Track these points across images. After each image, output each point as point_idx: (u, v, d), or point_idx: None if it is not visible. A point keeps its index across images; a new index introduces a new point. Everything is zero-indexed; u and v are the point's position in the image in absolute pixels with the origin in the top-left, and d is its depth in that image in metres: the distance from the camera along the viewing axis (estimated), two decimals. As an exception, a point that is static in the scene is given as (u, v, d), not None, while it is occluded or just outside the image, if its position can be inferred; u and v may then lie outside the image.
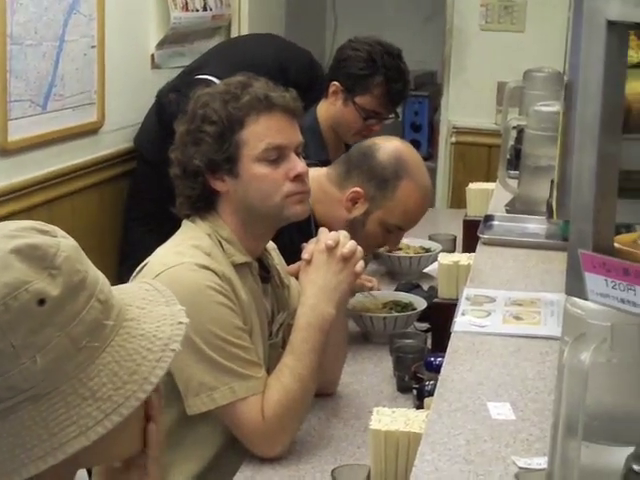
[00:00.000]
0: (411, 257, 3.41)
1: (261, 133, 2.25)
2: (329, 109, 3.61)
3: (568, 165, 1.65)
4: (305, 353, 2.22)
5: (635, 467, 1.26)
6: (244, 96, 2.25)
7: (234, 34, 4.73)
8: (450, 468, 1.60)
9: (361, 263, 2.33)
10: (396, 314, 2.88)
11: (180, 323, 1.32)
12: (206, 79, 3.56)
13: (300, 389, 2.20)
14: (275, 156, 2.26)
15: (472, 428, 1.74)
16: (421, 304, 2.94)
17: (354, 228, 2.70)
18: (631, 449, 1.31)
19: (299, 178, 2.29)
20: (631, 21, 1.20)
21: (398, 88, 3.59)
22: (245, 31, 4.72)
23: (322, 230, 2.38)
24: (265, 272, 2.40)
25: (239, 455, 2.23)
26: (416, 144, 6.08)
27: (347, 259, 2.29)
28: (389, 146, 2.89)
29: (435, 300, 2.81)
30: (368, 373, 2.68)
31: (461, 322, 2.21)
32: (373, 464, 1.85)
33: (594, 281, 1.24)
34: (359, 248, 2.33)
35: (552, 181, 1.91)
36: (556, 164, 1.67)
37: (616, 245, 1.29)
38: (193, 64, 4.11)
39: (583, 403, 1.37)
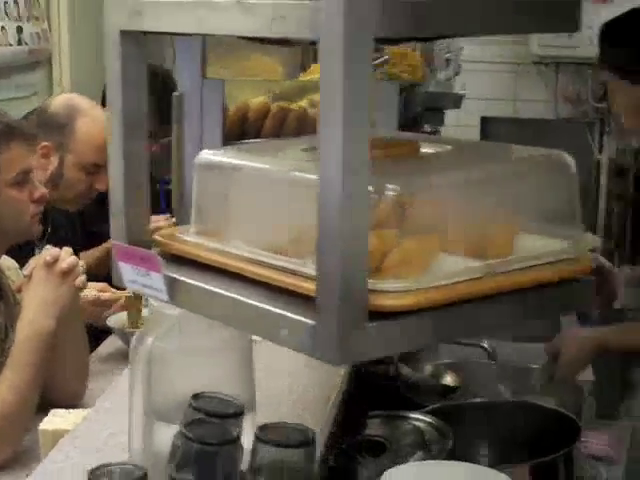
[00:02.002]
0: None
1: (13, 159, 2.40)
2: None
3: (183, 174, 1.77)
4: (23, 366, 2.31)
5: (176, 442, 1.36)
6: None
7: (56, 68, 4.82)
8: (82, 459, 1.69)
9: (82, 278, 2.42)
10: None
11: None
12: None
13: (18, 401, 2.28)
14: (22, 180, 2.41)
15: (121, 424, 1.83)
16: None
17: (55, 182, 2.86)
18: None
19: (40, 199, 2.45)
20: (138, 29, 1.32)
21: None
22: (67, 65, 4.81)
23: (47, 247, 2.47)
24: (-4, 291, 2.50)
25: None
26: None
27: (66, 274, 2.39)
28: (57, 98, 3.18)
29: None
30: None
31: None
32: (46, 463, 1.93)
33: (125, 269, 1.35)
34: (80, 263, 2.43)
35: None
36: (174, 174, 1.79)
37: (157, 237, 1.40)
38: None
39: (150, 385, 1.48)
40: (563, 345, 2.50)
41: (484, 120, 5.04)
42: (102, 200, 3.41)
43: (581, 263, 1.27)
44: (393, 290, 1.13)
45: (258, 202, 1.28)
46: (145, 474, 1.26)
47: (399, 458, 2.05)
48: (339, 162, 1.05)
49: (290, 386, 2.03)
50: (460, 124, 5.12)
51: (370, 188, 1.14)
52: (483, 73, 5.00)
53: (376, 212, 1.16)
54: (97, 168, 3.09)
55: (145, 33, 1.32)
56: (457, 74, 3.77)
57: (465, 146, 1.35)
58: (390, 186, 1.15)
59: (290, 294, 1.20)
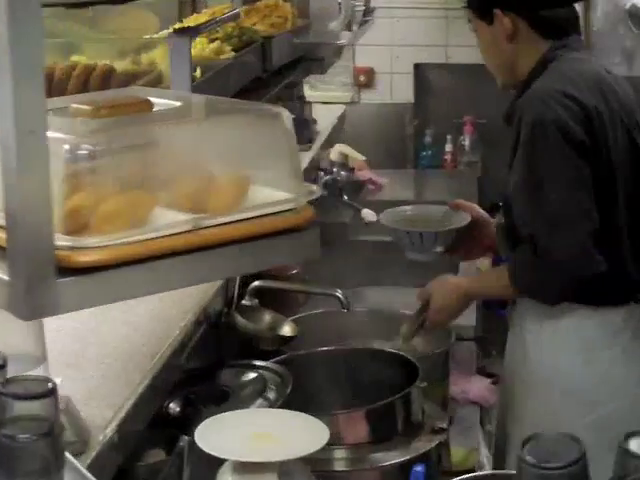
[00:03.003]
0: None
1: None
2: None
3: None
4: None
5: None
6: None
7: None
8: None
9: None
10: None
11: None
12: None
13: None
14: None
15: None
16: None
17: None
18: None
19: None
20: None
21: None
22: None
23: None
24: None
25: None
26: None
27: None
28: None
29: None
30: None
31: None
32: None
33: None
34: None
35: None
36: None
37: None
38: None
39: None
40: (432, 293, 2.53)
41: (417, 67, 5.04)
42: None
43: (303, 213, 1.30)
44: (86, 246, 1.16)
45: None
46: None
47: (240, 406, 2.11)
48: (11, 122, 1.08)
49: (130, 338, 2.07)
50: (394, 71, 5.13)
51: (66, 147, 1.18)
52: (415, 19, 4.99)
53: (80, 170, 1.19)
54: None
55: None
56: (364, 23, 3.76)
57: (195, 103, 1.38)
58: (87, 145, 1.18)
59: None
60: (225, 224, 1.25)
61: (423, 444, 2.10)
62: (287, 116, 1.29)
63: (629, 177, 2.38)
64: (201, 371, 2.24)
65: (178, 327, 2.10)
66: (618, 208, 2.36)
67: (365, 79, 5.10)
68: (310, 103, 3.71)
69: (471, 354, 2.85)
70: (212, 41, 2.29)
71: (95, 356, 1.97)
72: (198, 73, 1.98)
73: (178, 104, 1.34)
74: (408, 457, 2.06)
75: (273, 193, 1.32)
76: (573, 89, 2.36)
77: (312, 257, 1.31)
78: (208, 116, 1.30)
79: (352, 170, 4.14)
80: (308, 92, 5.05)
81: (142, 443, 1.90)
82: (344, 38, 3.06)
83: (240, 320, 2.33)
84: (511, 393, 2.52)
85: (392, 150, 5.03)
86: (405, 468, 2.03)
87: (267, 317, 2.53)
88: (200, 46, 2.18)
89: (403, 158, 5.09)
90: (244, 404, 2.10)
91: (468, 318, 2.86)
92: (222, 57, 2.16)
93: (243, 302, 2.39)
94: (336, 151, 3.94)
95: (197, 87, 1.81)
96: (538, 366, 2.41)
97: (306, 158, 3.48)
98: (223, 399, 2.14)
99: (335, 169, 3.72)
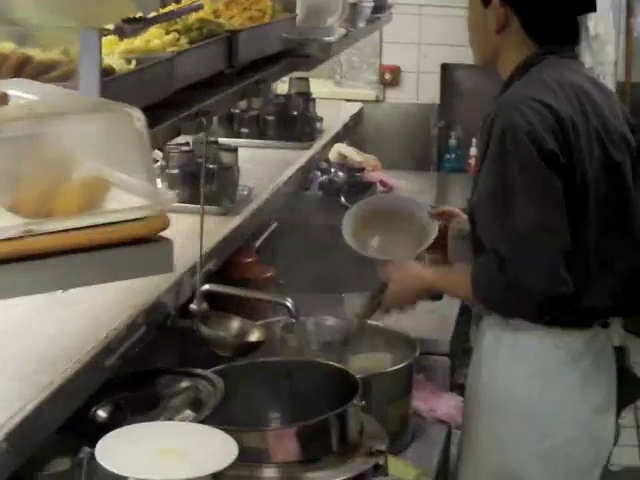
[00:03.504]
0: None
1: None
2: None
3: None
4: None
5: None
6: None
7: None
8: None
9: None
10: None
11: None
12: None
13: None
14: None
15: None
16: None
17: None
18: None
19: None
20: None
21: None
22: None
23: None
24: None
25: None
26: None
27: None
28: None
29: None
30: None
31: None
32: None
33: None
34: None
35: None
36: None
37: None
38: None
39: None
40: (391, 278, 2.45)
41: (444, 67, 4.91)
42: None
43: (151, 223, 1.21)
44: None
45: None
46: None
47: (167, 415, 2.02)
48: None
49: (55, 338, 1.99)
50: (421, 71, 5.00)
51: None
52: (444, 18, 4.86)
53: None
54: None
55: None
56: (376, 20, 3.64)
57: (55, 100, 1.29)
58: None
59: None
60: (64, 231, 1.16)
61: (357, 465, 2.00)
62: (139, 117, 1.20)
63: (602, 196, 2.25)
64: (137, 376, 2.15)
65: (107, 329, 2.01)
66: (588, 228, 2.22)
67: (391, 77, 4.98)
68: (314, 100, 3.57)
69: (445, 370, 2.73)
70: (169, 33, 2.20)
71: (12, 356, 1.89)
72: (133, 65, 1.89)
73: (33, 99, 1.25)
74: (340, 478, 1.96)
75: (131, 199, 1.23)
76: (550, 97, 2.24)
77: (162, 271, 1.21)
78: (54, 114, 1.20)
79: (362, 170, 4.02)
80: (333, 88, 4.97)
81: (50, 451, 1.82)
82: (334, 35, 2.95)
83: (204, 329, 2.23)
84: (466, 414, 2.41)
85: (415, 151, 4.91)
86: (336, 489, 1.94)
87: (231, 322, 2.42)
88: (149, 38, 2.09)
89: (426, 160, 4.95)
90: (172, 413, 2.02)
91: (443, 332, 2.74)
92: (169, 50, 2.06)
93: (191, 306, 2.29)
94: (335, 151, 3.83)
95: (115, 82, 1.71)
96: (491, 388, 2.30)
97: (303, 157, 3.37)
98: (154, 406, 2.05)
99: (333, 169, 3.61)
